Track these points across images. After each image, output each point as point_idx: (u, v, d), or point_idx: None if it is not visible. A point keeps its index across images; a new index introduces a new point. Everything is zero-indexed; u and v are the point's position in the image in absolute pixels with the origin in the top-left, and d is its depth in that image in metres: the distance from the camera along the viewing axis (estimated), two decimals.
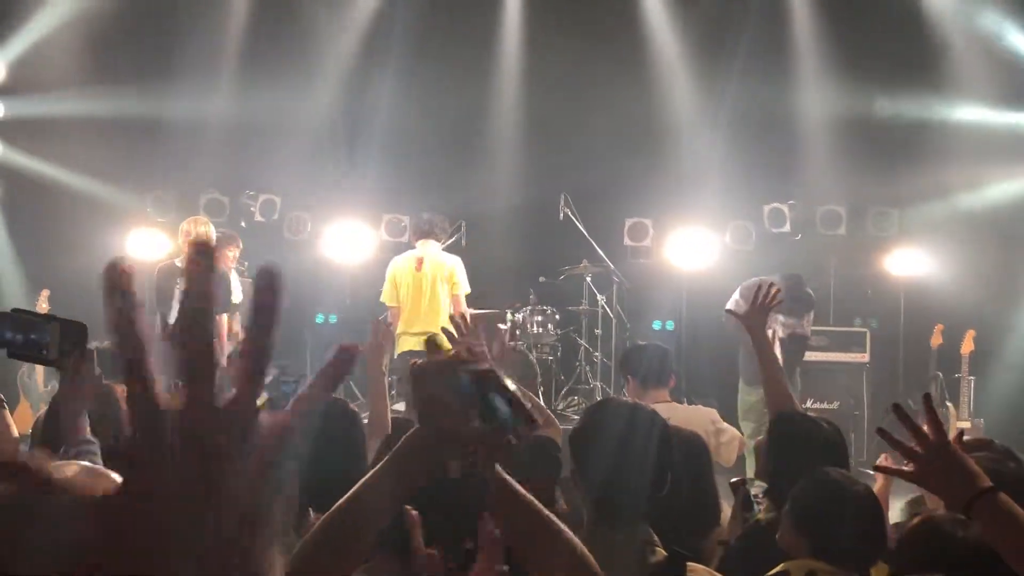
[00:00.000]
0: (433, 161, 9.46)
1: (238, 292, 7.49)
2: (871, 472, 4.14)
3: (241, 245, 7.61)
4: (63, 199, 8.71)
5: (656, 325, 8.94)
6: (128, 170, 8.90)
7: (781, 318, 6.97)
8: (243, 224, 9.27)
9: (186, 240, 6.99)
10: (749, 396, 6.73)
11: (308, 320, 9.10)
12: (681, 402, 5.38)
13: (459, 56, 9.42)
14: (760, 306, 3.52)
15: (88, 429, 2.18)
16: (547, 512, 1.38)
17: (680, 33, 9.32)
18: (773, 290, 3.56)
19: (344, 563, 1.32)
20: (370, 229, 9.11)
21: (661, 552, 2.19)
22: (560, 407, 8.49)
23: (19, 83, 8.67)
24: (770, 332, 6.63)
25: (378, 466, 1.30)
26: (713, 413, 4.58)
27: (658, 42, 9.44)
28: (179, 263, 7.03)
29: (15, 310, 2.14)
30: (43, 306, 8.07)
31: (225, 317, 7.17)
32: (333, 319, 9.45)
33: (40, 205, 8.76)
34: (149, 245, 8.74)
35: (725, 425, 4.45)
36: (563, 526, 1.39)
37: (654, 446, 2.40)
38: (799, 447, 2.94)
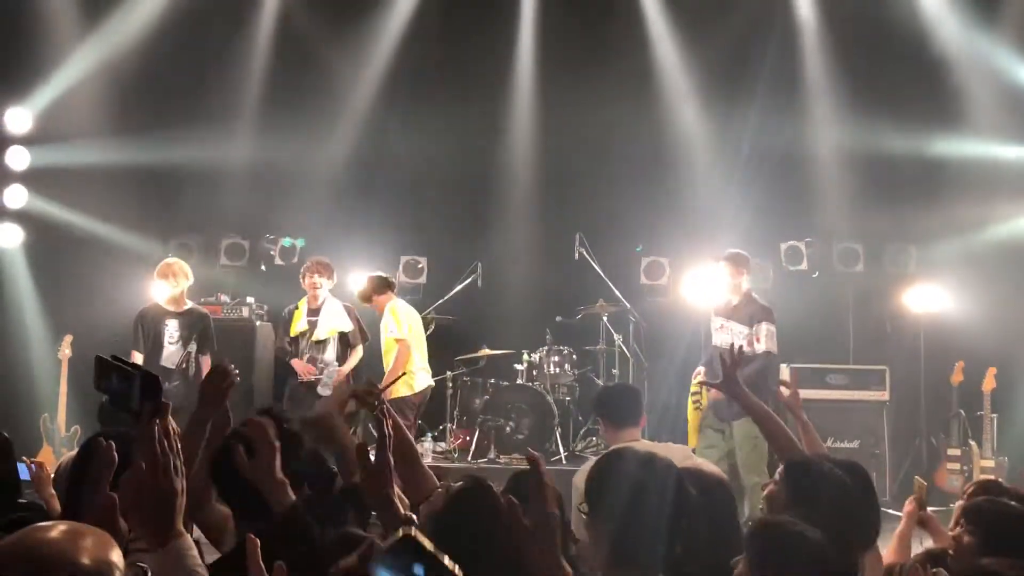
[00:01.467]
0: (449, 203, 9.56)
1: (342, 318, 7.64)
2: (894, 513, 4.11)
3: (331, 276, 7.73)
4: (86, 246, 8.85)
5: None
6: (150, 217, 9.05)
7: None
8: (263, 267, 9.39)
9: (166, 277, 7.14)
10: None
11: None
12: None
13: (474, 98, 9.54)
14: (729, 372, 3.59)
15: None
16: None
17: (696, 71, 9.40)
18: (735, 351, 3.67)
19: None
20: (388, 270, 9.18)
21: None
22: (579, 448, 8.47)
23: (44, 133, 8.86)
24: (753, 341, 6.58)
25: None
26: (686, 449, 4.60)
27: (674, 80, 9.52)
28: (163, 302, 7.17)
29: (115, 357, 2.15)
30: (66, 352, 8.19)
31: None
32: None
33: (64, 252, 8.90)
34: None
35: (700, 460, 4.44)
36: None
37: (670, 495, 2.40)
38: (814, 493, 2.92)
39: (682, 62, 9.48)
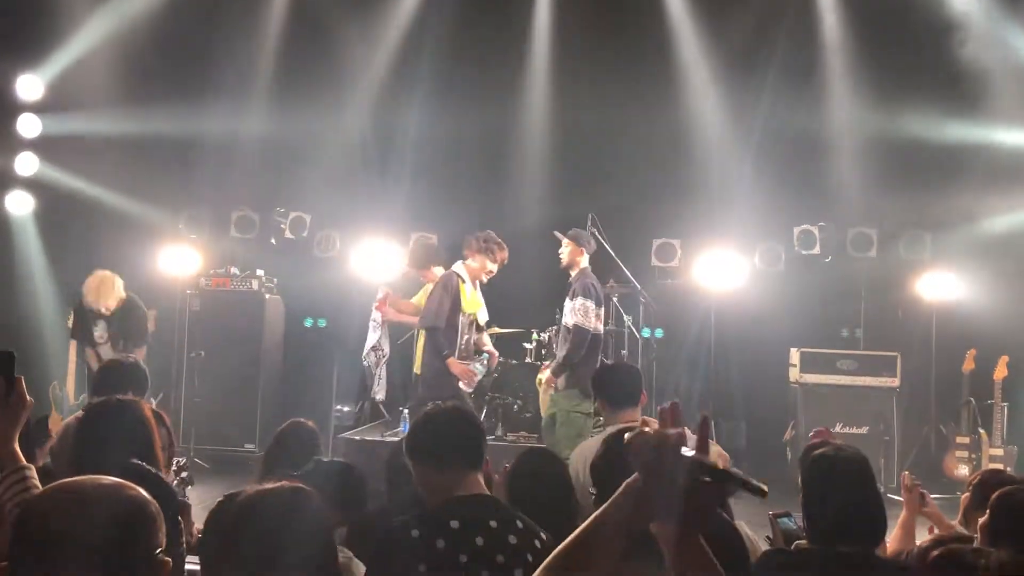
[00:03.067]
0: (461, 180, 9.50)
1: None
2: (900, 499, 4.09)
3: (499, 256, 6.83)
4: (96, 215, 8.84)
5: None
6: (161, 188, 9.02)
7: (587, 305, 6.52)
8: (273, 241, 9.37)
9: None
10: (579, 406, 6.31)
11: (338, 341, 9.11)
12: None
13: (488, 76, 9.47)
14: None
15: (22, 457, 2.27)
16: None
17: (711, 53, 9.30)
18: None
19: None
20: (398, 246, 9.16)
21: None
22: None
23: (56, 101, 8.83)
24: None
25: (604, 507, 1.52)
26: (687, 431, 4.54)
27: (688, 61, 9.42)
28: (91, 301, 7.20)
29: None
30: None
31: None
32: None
33: (74, 221, 8.90)
34: (180, 261, 8.85)
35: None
36: None
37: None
38: (827, 478, 2.92)
39: (699, 42, 9.37)
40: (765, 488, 1.39)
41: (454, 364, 6.48)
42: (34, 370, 8.16)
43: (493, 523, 2.61)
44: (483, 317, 6.89)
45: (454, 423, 2.82)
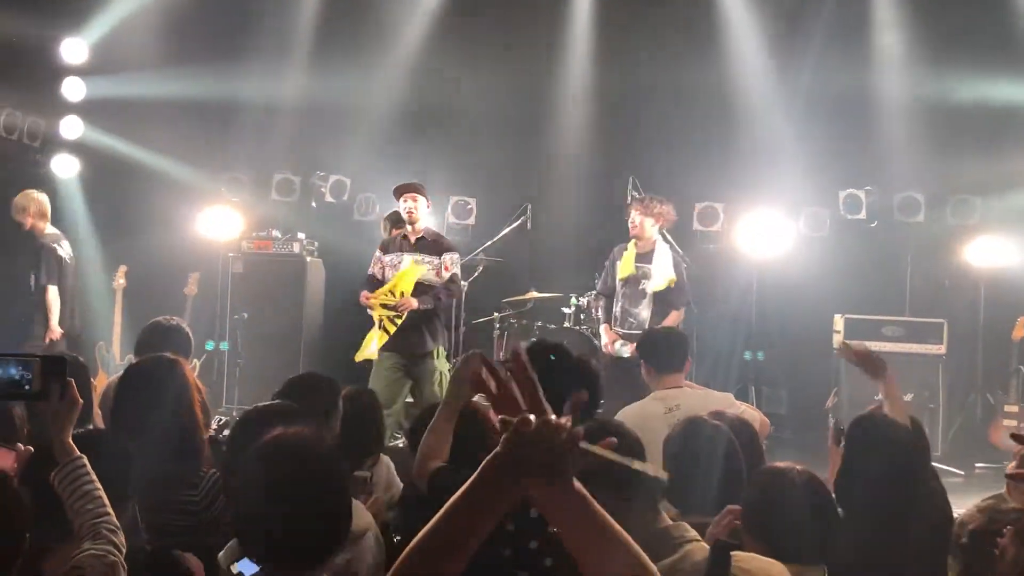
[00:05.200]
0: (500, 143, 9.43)
1: (671, 269, 6.90)
2: (946, 468, 4.02)
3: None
4: (140, 177, 8.92)
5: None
6: (203, 150, 9.08)
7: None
8: (313, 204, 9.41)
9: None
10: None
11: None
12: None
13: (528, 37, 9.37)
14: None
15: (76, 450, 2.43)
16: (612, 523, 1.43)
17: (755, 10, 9.09)
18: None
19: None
20: (437, 210, 9.13)
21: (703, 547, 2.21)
22: None
23: (100, 64, 8.89)
24: None
25: (463, 489, 1.40)
26: (730, 397, 4.52)
27: (732, 19, 9.22)
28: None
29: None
30: (120, 282, 8.32)
31: None
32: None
33: (118, 184, 8.99)
34: (222, 223, 8.92)
35: (744, 407, 4.39)
36: (625, 536, 1.44)
37: (720, 455, 2.40)
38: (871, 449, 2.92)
39: (743, 1, 9.17)
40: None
41: None
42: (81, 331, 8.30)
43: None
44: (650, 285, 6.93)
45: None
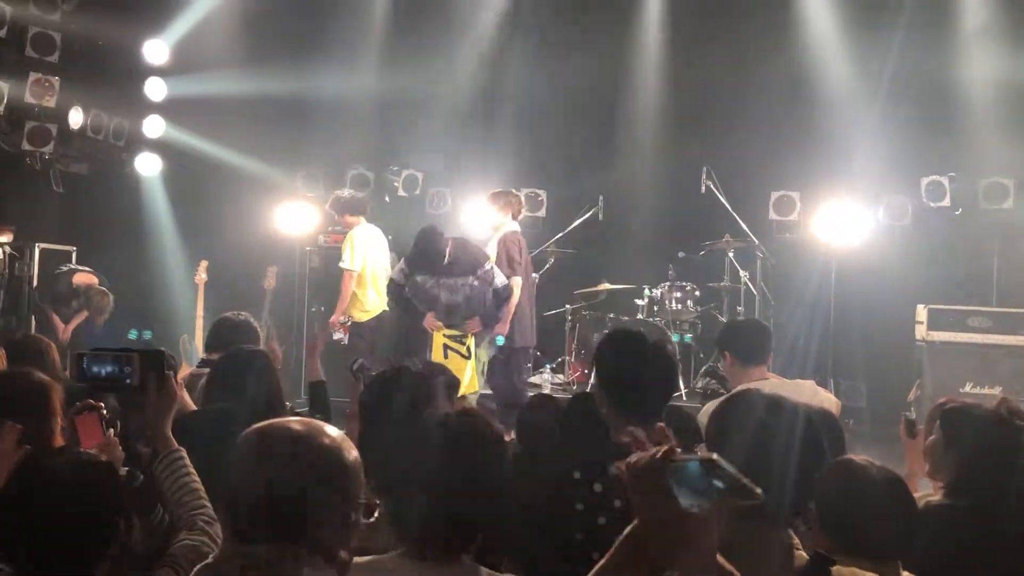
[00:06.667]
0: (571, 135, 9.41)
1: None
2: None
3: None
4: (220, 174, 9.14)
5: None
6: (279, 147, 9.26)
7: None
8: (387, 199, 9.51)
9: None
10: None
11: None
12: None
13: (599, 26, 9.31)
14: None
15: (175, 442, 2.49)
16: None
17: None
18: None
19: None
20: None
21: (802, 555, 2.12)
22: (699, 386, 8.33)
23: (180, 64, 9.13)
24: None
25: (607, 558, 1.36)
26: (812, 384, 4.44)
27: (809, 4, 9.03)
28: None
29: (95, 350, 2.47)
30: (202, 276, 8.53)
31: None
32: None
33: (199, 181, 9.23)
34: (298, 218, 9.08)
35: (825, 394, 4.30)
36: None
37: (799, 443, 2.30)
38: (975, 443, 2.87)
39: None
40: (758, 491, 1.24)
41: None
42: (164, 325, 8.55)
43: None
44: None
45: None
